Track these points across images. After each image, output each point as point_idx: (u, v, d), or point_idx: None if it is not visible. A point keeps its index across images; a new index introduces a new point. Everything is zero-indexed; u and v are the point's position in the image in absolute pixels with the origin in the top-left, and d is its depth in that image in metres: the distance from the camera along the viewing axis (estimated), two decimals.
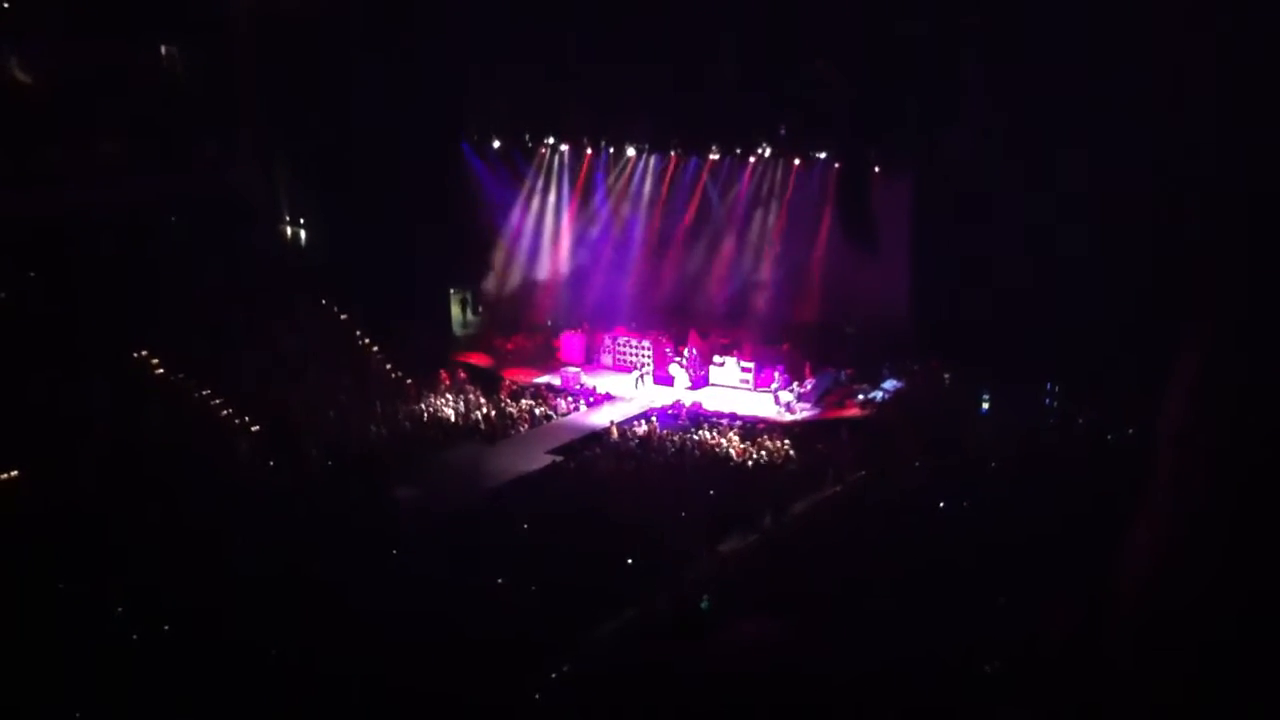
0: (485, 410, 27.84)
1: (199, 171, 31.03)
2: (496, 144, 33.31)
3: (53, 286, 27.21)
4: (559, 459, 24.79)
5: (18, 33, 27.35)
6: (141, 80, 30.07)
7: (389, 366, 30.21)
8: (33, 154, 28.13)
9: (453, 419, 27.38)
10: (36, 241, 27.24)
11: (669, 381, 30.38)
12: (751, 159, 31.34)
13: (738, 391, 29.93)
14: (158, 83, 30.56)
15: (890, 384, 28.66)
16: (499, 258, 34.79)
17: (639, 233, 33.63)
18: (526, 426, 27.35)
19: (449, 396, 28.52)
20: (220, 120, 31.69)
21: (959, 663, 13.00)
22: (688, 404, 28.55)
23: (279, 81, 31.21)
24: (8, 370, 24.07)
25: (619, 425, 26.76)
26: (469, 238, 33.76)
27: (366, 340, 30.84)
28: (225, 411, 26.26)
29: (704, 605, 17.57)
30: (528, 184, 34.14)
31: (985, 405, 26.26)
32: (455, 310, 35.06)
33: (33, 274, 27.52)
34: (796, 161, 30.76)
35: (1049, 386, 25.99)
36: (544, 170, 34.04)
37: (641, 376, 30.48)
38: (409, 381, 29.48)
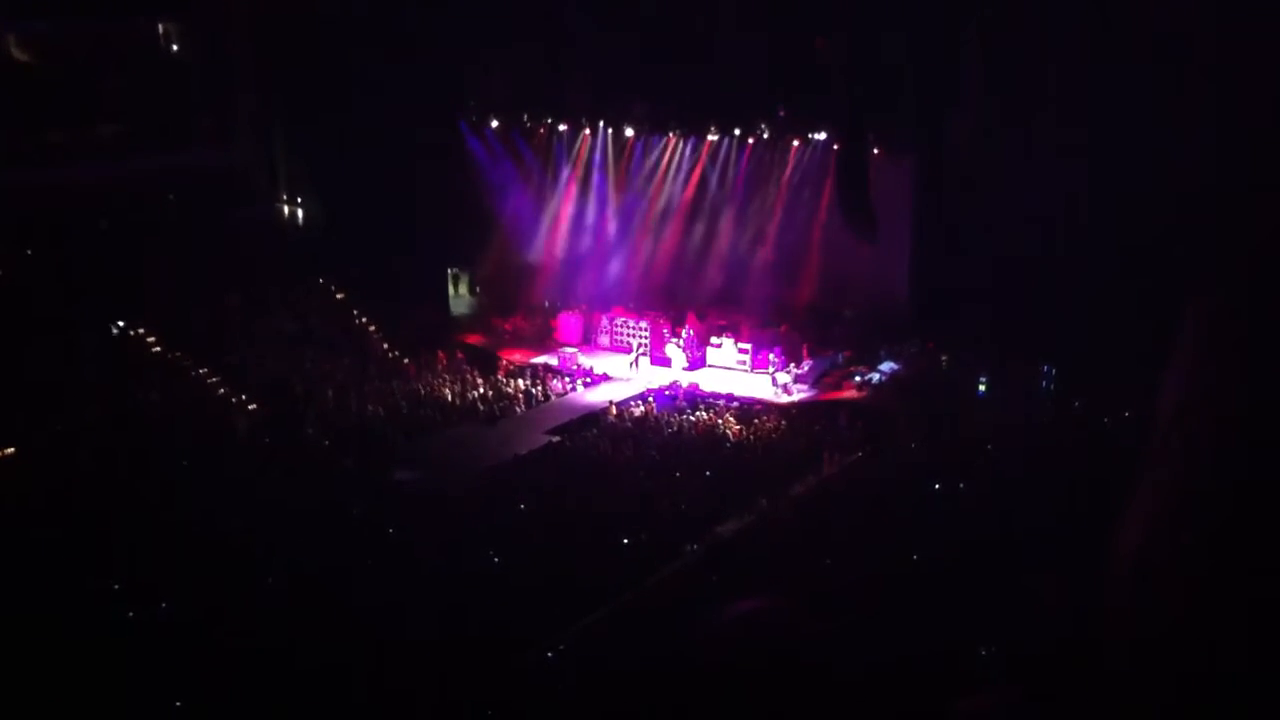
0: (483, 390, 27.86)
1: (197, 150, 30.99)
2: (495, 124, 33.21)
3: (51, 264, 27.19)
4: (556, 439, 24.81)
5: (17, 11, 27.25)
6: (140, 58, 29.99)
7: (386, 346, 30.21)
8: (31, 132, 28.07)
9: (450, 399, 27.38)
10: (35, 220, 27.21)
11: (666, 362, 30.38)
12: (750, 140, 31.27)
13: (735, 373, 29.95)
14: (156, 61, 30.48)
15: (888, 366, 28.66)
16: (497, 238, 34.72)
17: (637, 214, 33.59)
18: (523, 407, 27.37)
19: (446, 377, 28.52)
20: (218, 99, 31.62)
21: (955, 651, 13.04)
22: (685, 385, 28.57)
23: (277, 60, 31.12)
24: (5, 347, 24.06)
25: (617, 405, 26.79)
26: (467, 218, 33.68)
27: (364, 319, 30.84)
28: (222, 390, 26.27)
29: None
30: (526, 164, 34.06)
31: (983, 388, 26.30)
32: (453, 290, 35.04)
33: (30, 252, 27.51)
34: (795, 143, 30.69)
35: (1046, 369, 26.04)
36: (542, 151, 33.95)
37: (637, 358, 30.47)
38: (406, 361, 29.49)
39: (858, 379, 28.42)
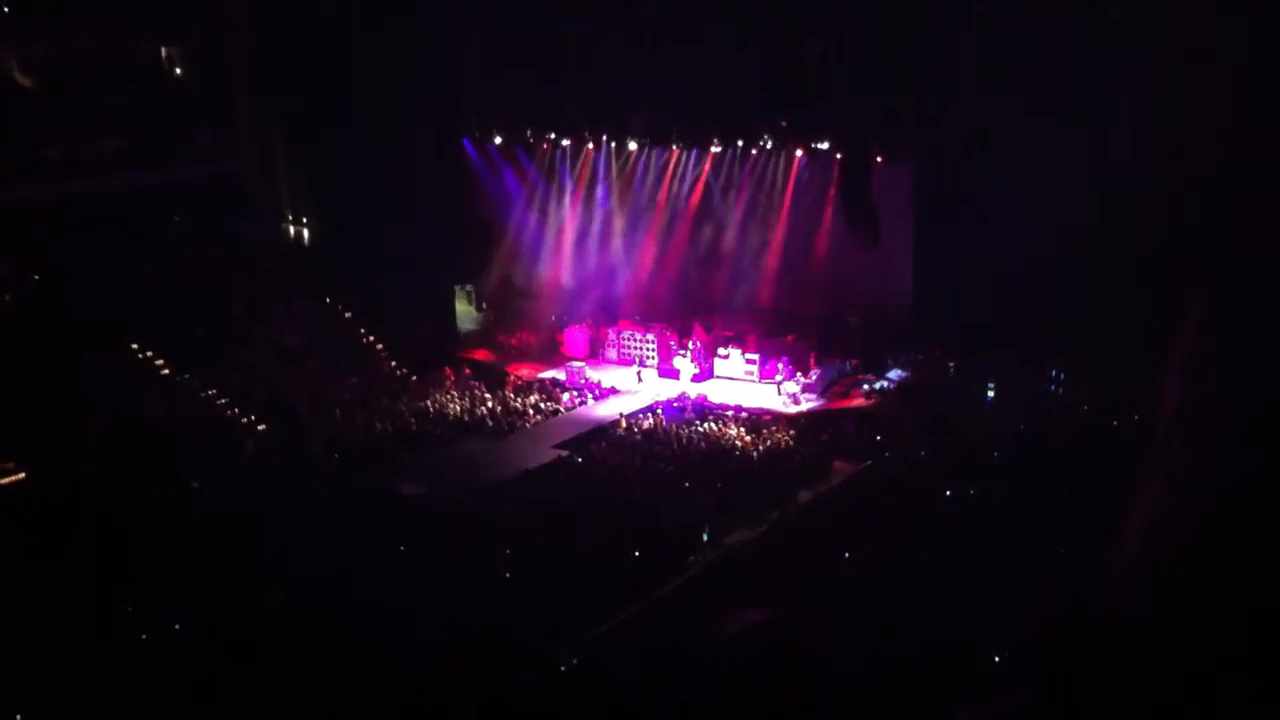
0: (490, 406, 27.82)
1: (198, 165, 31.04)
2: (498, 139, 33.26)
3: (52, 281, 27.23)
4: (565, 453, 24.77)
5: (16, 26, 27.39)
6: (140, 72, 30.10)
7: (393, 363, 30.21)
8: (31, 147, 28.16)
9: (458, 414, 27.34)
10: (35, 235, 27.27)
11: (674, 374, 30.34)
12: (753, 151, 31.24)
13: (743, 383, 29.89)
14: (157, 75, 30.58)
15: (895, 374, 28.59)
16: (502, 253, 34.77)
17: (641, 226, 33.61)
18: (532, 422, 27.32)
19: (454, 393, 28.49)
20: (218, 113, 31.71)
21: (960, 653, 12.99)
22: (693, 396, 28.51)
23: (279, 75, 31.24)
24: (6, 366, 24.08)
25: (626, 418, 26.75)
26: (472, 233, 33.75)
27: (371, 338, 30.84)
28: (231, 412, 26.24)
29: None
30: (530, 179, 34.10)
31: (990, 393, 26.24)
32: (459, 306, 35.05)
33: (34, 272, 27.57)
34: (799, 153, 30.66)
35: (1053, 373, 25.98)
36: (546, 165, 34.00)
37: (641, 370, 30.46)
38: (413, 378, 29.46)
39: (865, 387, 28.37)
